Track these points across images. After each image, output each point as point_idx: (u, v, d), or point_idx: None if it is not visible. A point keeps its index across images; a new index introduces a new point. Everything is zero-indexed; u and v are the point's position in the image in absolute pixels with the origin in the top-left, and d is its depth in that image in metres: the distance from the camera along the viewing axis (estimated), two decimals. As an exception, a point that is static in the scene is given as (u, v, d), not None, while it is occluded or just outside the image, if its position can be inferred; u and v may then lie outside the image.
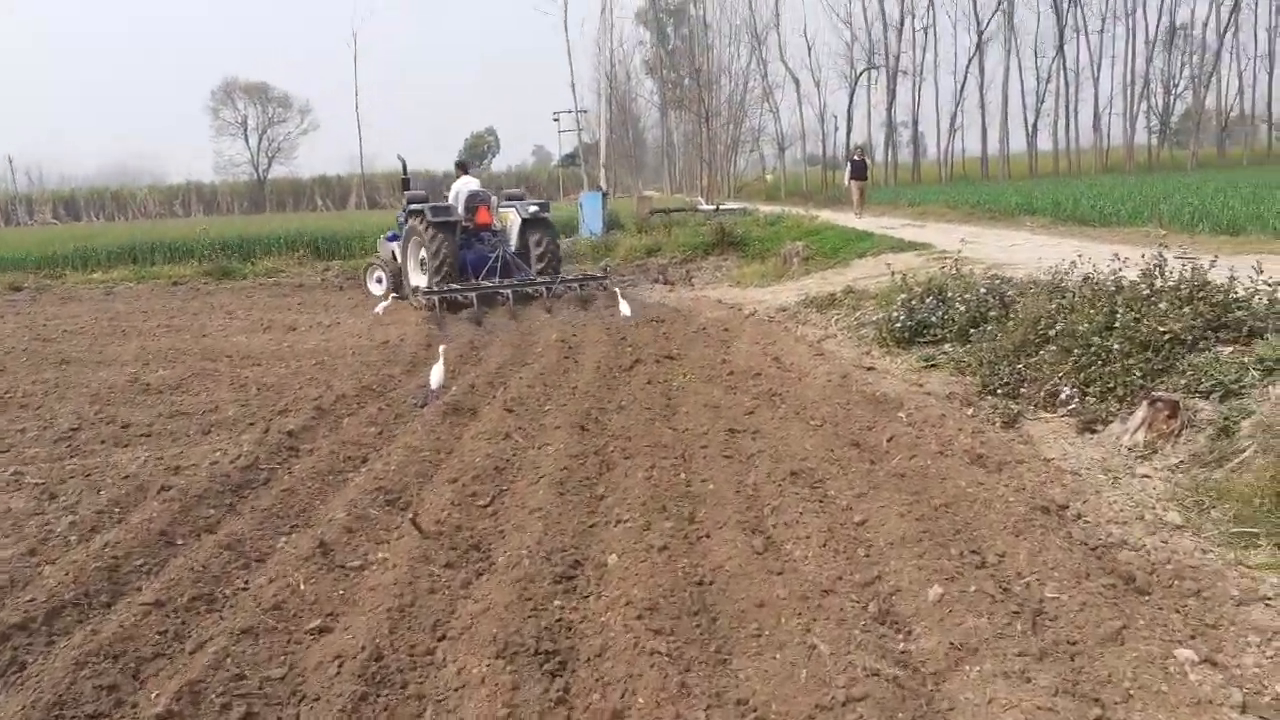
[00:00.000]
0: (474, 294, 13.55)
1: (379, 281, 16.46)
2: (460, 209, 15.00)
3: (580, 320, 12.81)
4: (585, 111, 53.99)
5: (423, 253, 14.43)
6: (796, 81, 50.29)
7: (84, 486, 5.99)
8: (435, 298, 13.40)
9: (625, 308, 12.22)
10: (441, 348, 8.45)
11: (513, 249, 15.38)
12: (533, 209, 15.61)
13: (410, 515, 5.02)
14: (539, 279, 14.79)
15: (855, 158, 26.74)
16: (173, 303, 16.72)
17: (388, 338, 11.86)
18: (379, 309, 13.49)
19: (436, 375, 8.08)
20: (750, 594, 3.97)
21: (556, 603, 4.04)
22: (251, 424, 7.68)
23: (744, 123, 56.86)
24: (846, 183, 26.70)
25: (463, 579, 4.37)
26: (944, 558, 4.05)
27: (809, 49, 49.36)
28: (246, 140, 76.67)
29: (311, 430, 7.29)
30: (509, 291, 13.93)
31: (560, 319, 12.98)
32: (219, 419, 7.85)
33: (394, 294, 14.83)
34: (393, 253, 16.16)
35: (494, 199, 15.78)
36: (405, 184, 16.78)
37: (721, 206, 30.85)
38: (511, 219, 15.61)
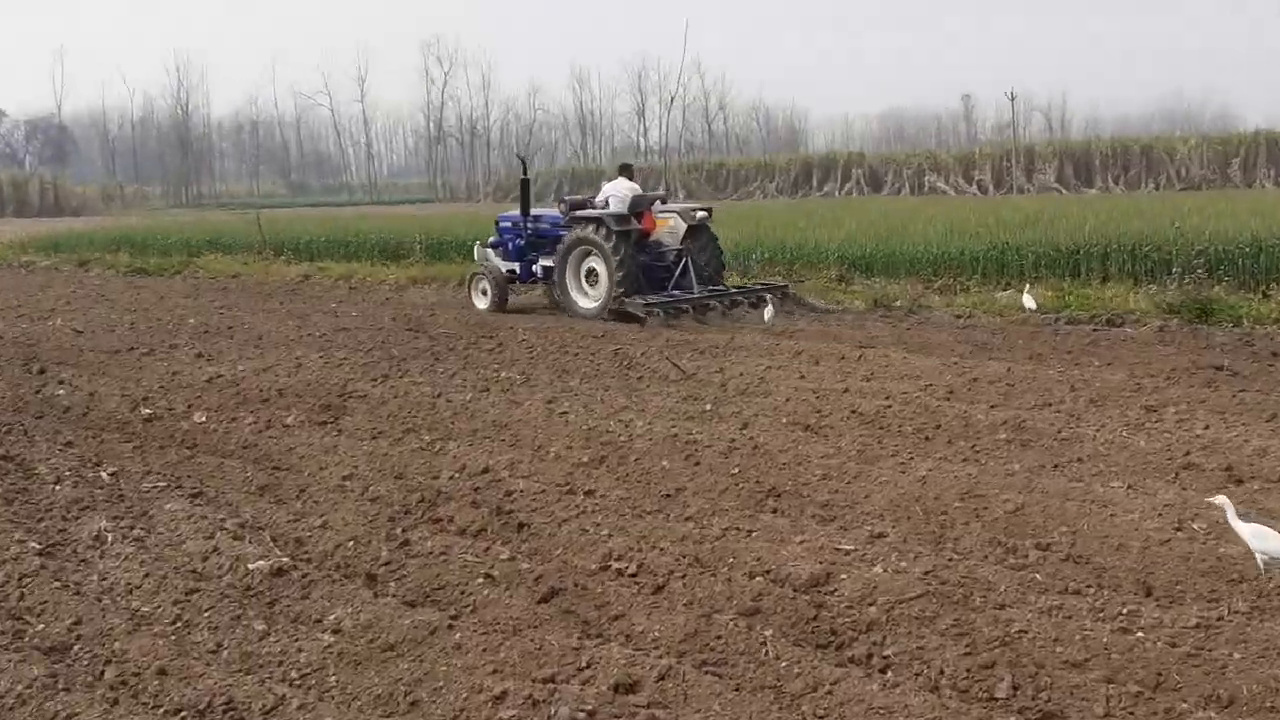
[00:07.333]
0: (690, 304, 13.36)
1: (484, 294, 15.64)
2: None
3: None
4: None
5: (590, 263, 13.76)
6: None
7: None
8: (658, 309, 12.97)
9: None
10: None
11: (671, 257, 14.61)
12: (700, 214, 14.67)
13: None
14: (724, 289, 14.38)
15: None
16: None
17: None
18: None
19: None
20: None
21: None
22: None
23: None
24: None
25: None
26: None
27: None
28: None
29: None
30: (717, 302, 13.59)
31: None
32: None
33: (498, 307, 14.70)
34: (487, 259, 15.81)
35: (656, 204, 14.88)
36: (524, 185, 15.80)
37: None
38: (672, 225, 14.55)
